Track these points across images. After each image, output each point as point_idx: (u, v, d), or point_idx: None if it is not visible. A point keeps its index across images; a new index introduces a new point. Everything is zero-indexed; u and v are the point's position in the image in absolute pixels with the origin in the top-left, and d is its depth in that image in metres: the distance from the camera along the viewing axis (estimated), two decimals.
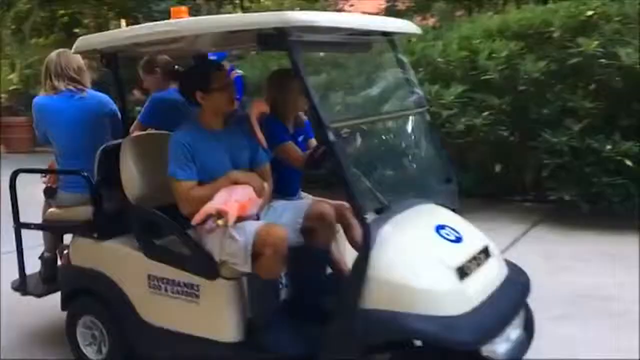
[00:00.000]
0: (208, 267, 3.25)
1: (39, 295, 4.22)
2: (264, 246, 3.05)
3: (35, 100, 4.07)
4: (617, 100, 6.64)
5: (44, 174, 4.22)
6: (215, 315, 3.27)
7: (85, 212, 3.79)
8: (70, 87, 4.04)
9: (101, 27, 14.12)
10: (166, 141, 3.66)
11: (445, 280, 2.81)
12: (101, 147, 3.78)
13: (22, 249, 4.13)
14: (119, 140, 3.81)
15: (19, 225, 4.10)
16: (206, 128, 3.35)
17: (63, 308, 3.92)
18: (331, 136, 2.80)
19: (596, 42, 6.51)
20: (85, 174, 3.72)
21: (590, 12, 6.76)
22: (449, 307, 2.72)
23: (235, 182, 3.25)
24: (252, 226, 3.14)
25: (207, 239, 3.26)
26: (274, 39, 2.85)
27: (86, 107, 4.05)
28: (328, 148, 2.85)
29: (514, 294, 3.02)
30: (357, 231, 3.57)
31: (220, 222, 3.07)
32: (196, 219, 3.13)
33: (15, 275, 4.27)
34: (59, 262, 4.31)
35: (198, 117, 3.39)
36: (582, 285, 4.75)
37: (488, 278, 3.00)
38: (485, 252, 3.12)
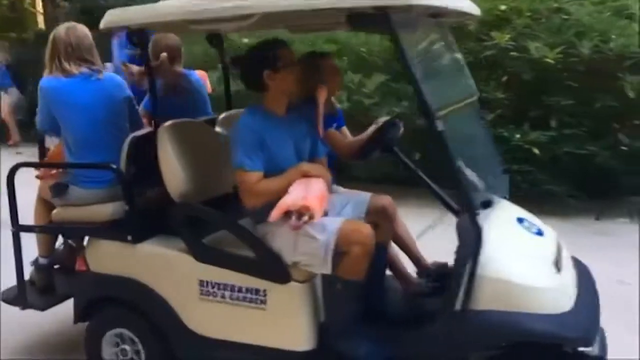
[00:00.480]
0: (278, 270, 3.04)
1: (44, 309, 3.78)
2: (351, 244, 2.91)
3: (43, 82, 3.55)
4: (526, 92, 7.08)
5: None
6: (286, 322, 3.08)
7: (106, 210, 3.45)
8: (83, 70, 3.58)
9: (14, 5, 12.63)
10: (203, 129, 3.47)
11: (550, 276, 2.86)
12: (129, 137, 3.43)
13: (21, 256, 3.64)
14: (146, 129, 3.51)
15: (18, 229, 3.60)
16: (272, 113, 3.15)
17: (79, 320, 3.52)
18: (440, 126, 2.69)
19: (508, 36, 6.95)
20: (114, 166, 3.37)
21: (503, 7, 7.13)
22: (558, 304, 2.75)
23: (305, 175, 3.08)
24: (333, 223, 2.98)
25: (275, 238, 3.08)
26: (374, 18, 2.69)
27: (105, 91, 3.61)
28: (435, 138, 2.71)
29: (591, 287, 3.10)
30: (400, 226, 3.52)
31: (306, 218, 2.90)
32: (274, 215, 2.93)
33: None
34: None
35: (262, 101, 3.16)
36: None
37: (572, 271, 3.06)
38: (559, 245, 3.18)
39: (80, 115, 3.49)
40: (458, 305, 2.75)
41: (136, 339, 3.36)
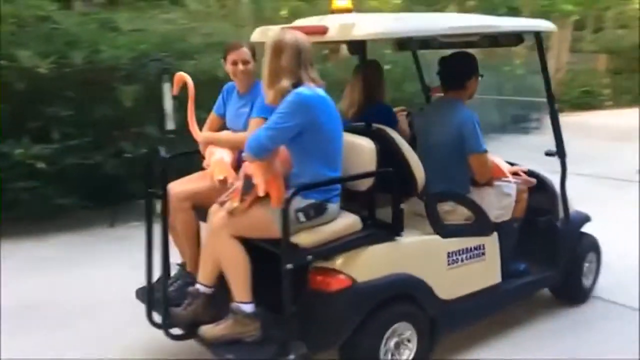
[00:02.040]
0: (489, 225, 4.00)
1: None
2: (522, 193, 4.28)
3: (307, 94, 3.27)
4: (22, 103, 6.82)
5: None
6: (494, 265, 4.06)
7: (355, 219, 3.52)
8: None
9: None
10: None
11: None
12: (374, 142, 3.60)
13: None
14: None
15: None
16: None
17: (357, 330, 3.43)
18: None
19: None
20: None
21: None
22: None
23: None
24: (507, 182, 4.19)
25: (482, 201, 4.01)
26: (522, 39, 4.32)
27: None
28: (553, 118, 4.38)
29: None
30: None
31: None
32: (506, 178, 4.08)
33: None
34: None
35: (461, 98, 4.06)
36: (23, 294, 5.09)
37: None
38: None
39: (339, 126, 3.45)
40: (562, 214, 4.46)
41: (410, 326, 3.61)
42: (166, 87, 6.93)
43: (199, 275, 3.55)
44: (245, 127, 3.81)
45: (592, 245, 4.84)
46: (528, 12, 13.84)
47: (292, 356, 3.19)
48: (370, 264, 3.45)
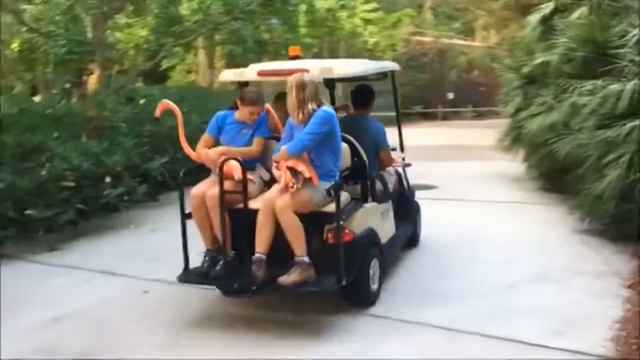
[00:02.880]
0: (390, 195, 6.34)
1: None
2: (397, 174, 6.88)
3: (331, 112, 5.07)
4: None
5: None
6: (392, 221, 6.40)
7: (348, 195, 5.46)
8: None
9: None
10: None
11: None
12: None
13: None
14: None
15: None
16: None
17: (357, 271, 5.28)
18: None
19: None
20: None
21: None
22: None
23: None
24: None
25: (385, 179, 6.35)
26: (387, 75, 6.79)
27: None
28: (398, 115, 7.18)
29: None
30: None
31: None
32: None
33: None
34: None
35: (368, 114, 6.42)
36: None
37: None
38: None
39: (339, 133, 5.30)
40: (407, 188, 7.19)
41: (377, 262, 5.60)
42: None
43: (257, 247, 4.94)
44: (247, 144, 5.43)
45: (419, 207, 7.44)
46: (274, 45, 15.97)
47: (344, 282, 4.94)
48: (358, 223, 5.37)
